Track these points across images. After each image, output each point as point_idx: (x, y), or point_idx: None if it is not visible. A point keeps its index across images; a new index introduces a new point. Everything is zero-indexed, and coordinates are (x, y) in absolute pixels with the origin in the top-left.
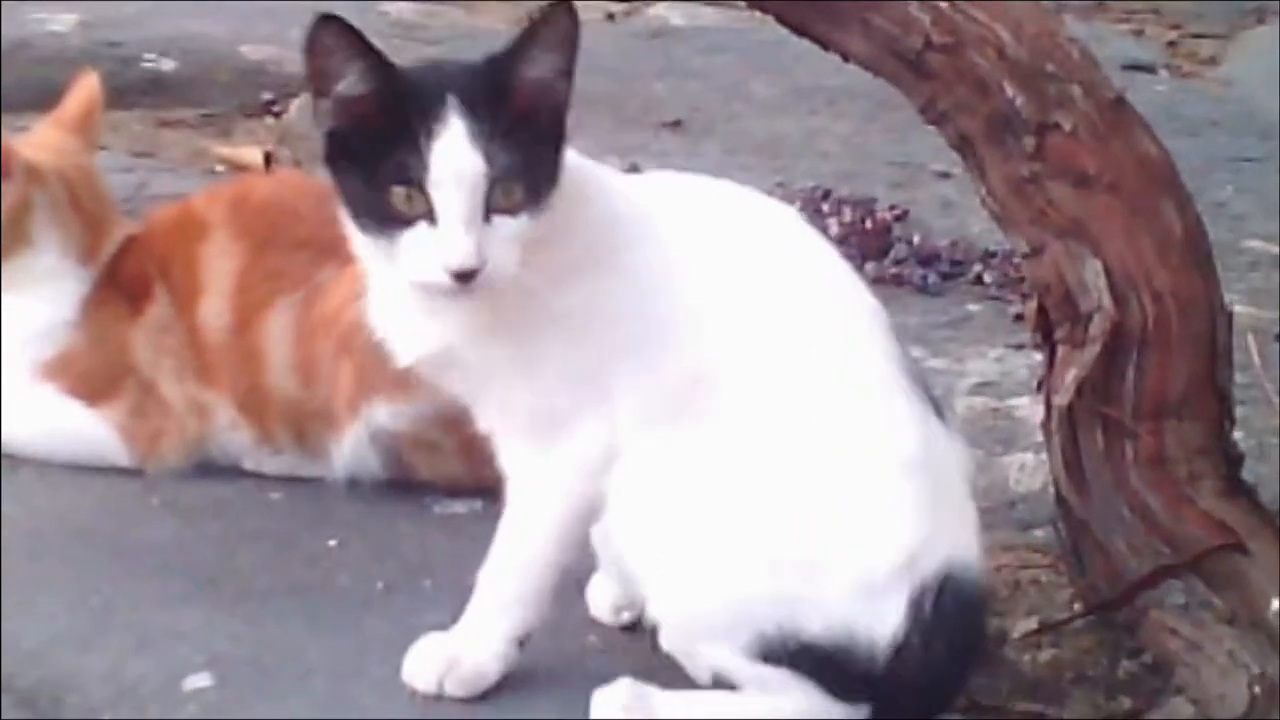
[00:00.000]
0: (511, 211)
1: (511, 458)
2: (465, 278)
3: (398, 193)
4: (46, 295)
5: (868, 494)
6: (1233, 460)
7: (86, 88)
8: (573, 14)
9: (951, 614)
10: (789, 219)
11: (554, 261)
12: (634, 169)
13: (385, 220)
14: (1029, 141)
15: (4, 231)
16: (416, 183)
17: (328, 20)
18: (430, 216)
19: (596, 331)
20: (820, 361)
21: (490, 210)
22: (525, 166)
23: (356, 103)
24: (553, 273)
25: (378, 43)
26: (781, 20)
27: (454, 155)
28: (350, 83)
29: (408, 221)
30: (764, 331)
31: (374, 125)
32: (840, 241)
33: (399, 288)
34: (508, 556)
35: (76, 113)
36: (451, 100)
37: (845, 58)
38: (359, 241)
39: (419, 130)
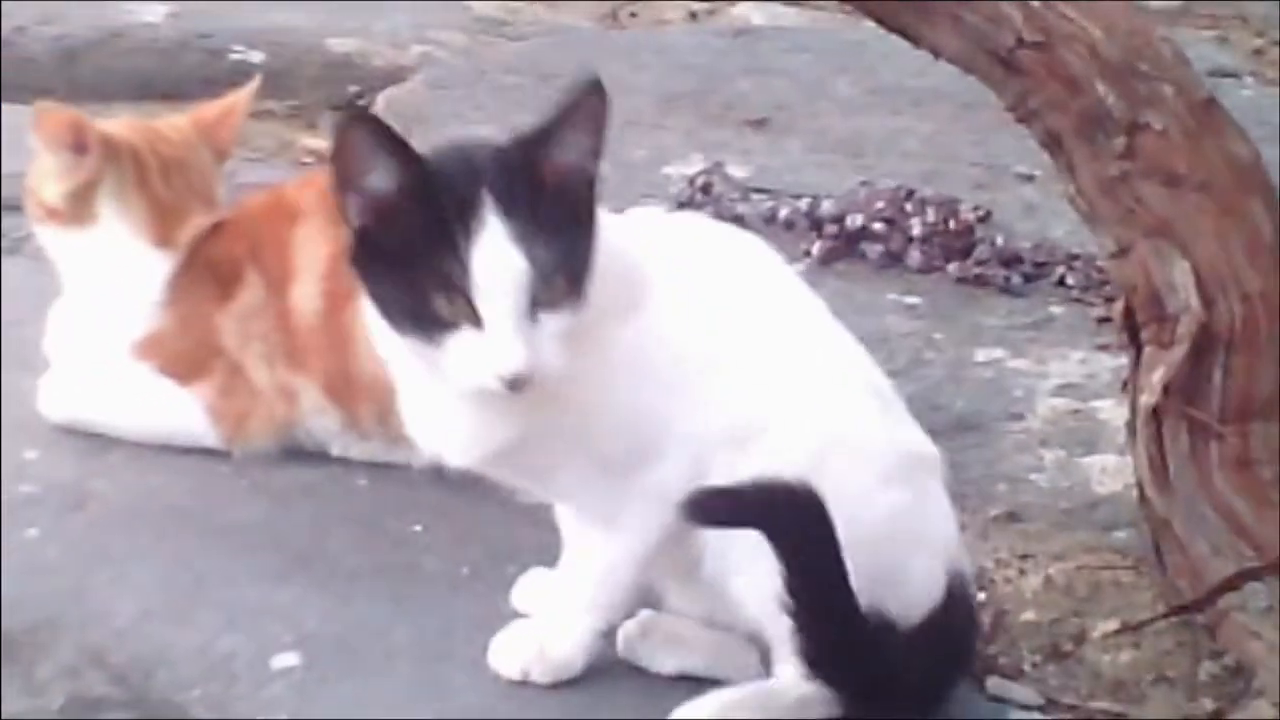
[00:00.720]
0: (556, 306)
1: (594, 498)
2: (518, 383)
3: (439, 299)
4: (128, 275)
5: (921, 492)
6: None
7: (244, 90)
8: (603, 94)
9: (963, 600)
10: (760, 247)
11: (594, 313)
12: (719, 166)
13: (426, 326)
14: (1119, 140)
15: (74, 204)
16: (459, 289)
17: (358, 119)
18: (475, 321)
19: (649, 365)
20: (843, 378)
21: (535, 308)
22: (565, 258)
23: (386, 199)
24: (594, 324)
25: (462, 38)
26: (872, 16)
27: (496, 258)
28: (378, 177)
29: (450, 326)
30: (789, 350)
31: (406, 223)
32: (923, 241)
33: (438, 390)
34: (594, 572)
35: (214, 111)
36: (486, 196)
37: (936, 54)
38: (391, 344)
39: (455, 231)
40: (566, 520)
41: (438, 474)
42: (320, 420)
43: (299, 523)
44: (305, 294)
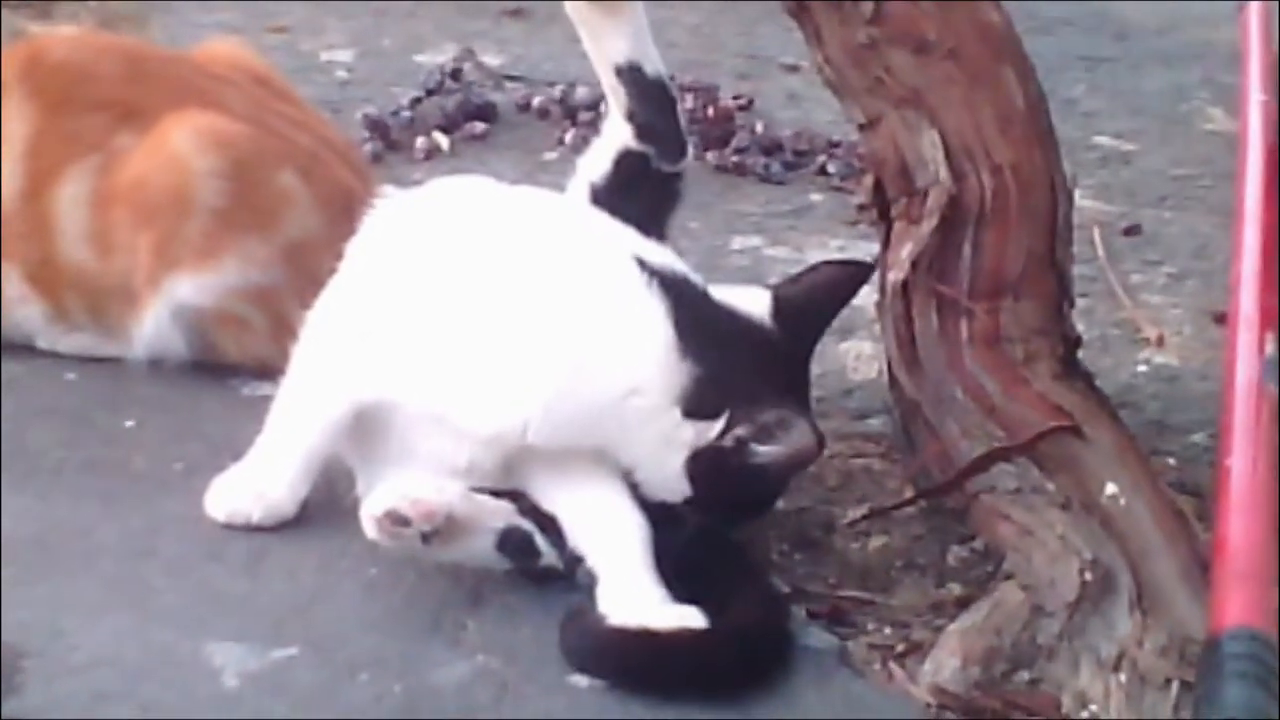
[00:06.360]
0: None
1: None
2: None
3: None
4: None
5: None
6: (1070, 342)
7: None
8: None
9: None
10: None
11: None
12: (470, 53)
13: None
14: (867, 6)
15: None
16: None
17: None
18: None
19: None
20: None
21: None
22: None
23: None
24: None
25: None
26: None
27: None
28: None
29: None
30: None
31: None
32: None
33: None
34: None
35: None
36: None
37: None
38: None
39: None
40: None
41: (155, 368)
42: (24, 310)
43: None
44: (5, 173)
